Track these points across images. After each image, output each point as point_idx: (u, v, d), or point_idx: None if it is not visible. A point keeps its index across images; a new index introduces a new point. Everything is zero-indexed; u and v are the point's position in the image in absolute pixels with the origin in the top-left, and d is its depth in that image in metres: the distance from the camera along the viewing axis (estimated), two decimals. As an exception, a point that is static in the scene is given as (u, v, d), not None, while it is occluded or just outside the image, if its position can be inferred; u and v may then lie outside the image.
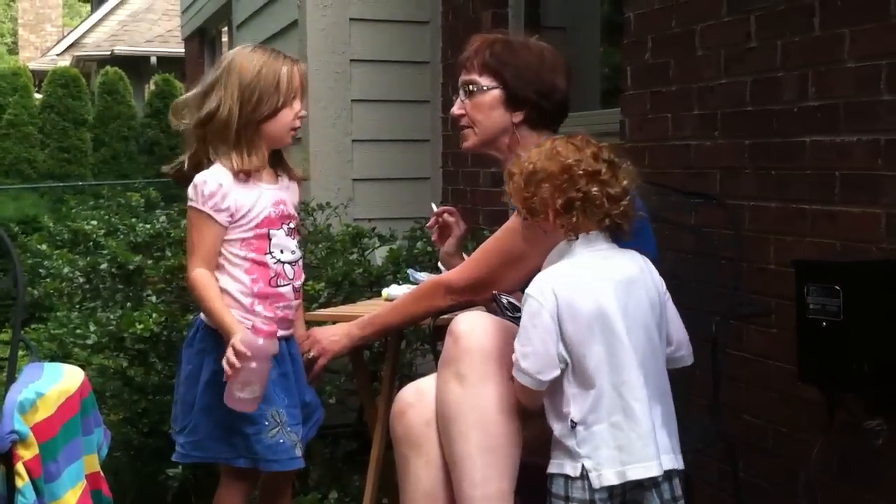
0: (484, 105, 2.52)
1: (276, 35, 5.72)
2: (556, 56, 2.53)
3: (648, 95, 3.47)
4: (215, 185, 2.38)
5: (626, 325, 2.00)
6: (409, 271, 3.18)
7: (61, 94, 13.63)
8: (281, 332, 2.48)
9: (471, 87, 2.53)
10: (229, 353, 2.28)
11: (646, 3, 3.46)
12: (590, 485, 1.96)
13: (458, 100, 2.58)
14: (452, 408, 2.16)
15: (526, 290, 2.02)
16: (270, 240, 2.45)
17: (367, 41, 4.96)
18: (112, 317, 3.48)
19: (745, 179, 3.03)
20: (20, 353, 2.37)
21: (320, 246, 3.94)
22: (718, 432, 2.63)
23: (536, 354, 1.98)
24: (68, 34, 23.25)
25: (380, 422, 2.86)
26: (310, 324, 2.76)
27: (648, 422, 1.99)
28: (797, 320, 2.51)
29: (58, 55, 21.53)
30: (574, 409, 1.99)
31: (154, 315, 3.35)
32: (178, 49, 14.23)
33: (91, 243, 4.16)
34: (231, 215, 2.40)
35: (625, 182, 2.05)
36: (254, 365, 2.28)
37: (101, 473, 2.30)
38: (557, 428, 2.02)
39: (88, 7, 27.34)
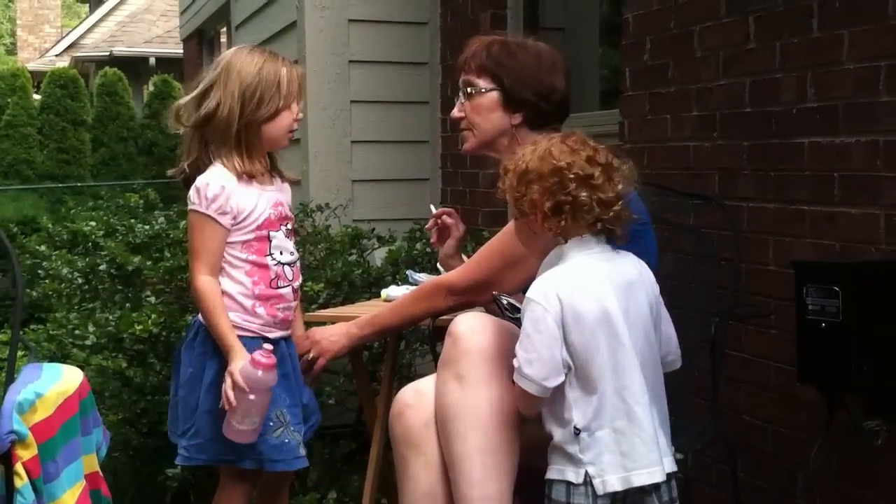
0: (482, 107, 2.52)
1: (274, 36, 5.72)
2: (554, 56, 2.53)
3: (647, 96, 3.48)
4: (218, 187, 2.37)
5: (628, 329, 1.98)
6: (409, 272, 3.18)
7: (60, 95, 13.62)
8: (280, 333, 2.49)
9: (469, 89, 2.53)
10: (228, 385, 2.28)
11: (645, 4, 3.46)
12: (593, 491, 1.94)
13: (458, 102, 2.58)
14: (451, 409, 2.16)
15: (527, 295, 1.99)
16: (270, 241, 2.45)
17: (366, 42, 4.96)
18: (111, 317, 3.48)
19: (744, 180, 3.03)
20: (19, 353, 2.36)
21: (319, 247, 3.94)
22: (718, 433, 2.64)
23: (541, 360, 1.94)
24: (67, 35, 23.25)
25: (379, 422, 2.86)
26: (309, 324, 2.76)
27: (651, 426, 1.98)
28: (796, 321, 2.51)
29: (56, 56, 21.53)
30: (577, 415, 1.96)
31: (153, 316, 3.35)
32: (177, 50, 14.24)
33: (90, 244, 4.16)
34: (234, 217, 2.40)
35: (619, 186, 2.00)
36: (252, 397, 2.28)
37: (100, 473, 2.30)
38: (558, 434, 1.99)
39: (87, 8, 27.35)
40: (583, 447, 1.96)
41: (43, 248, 4.25)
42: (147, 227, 3.96)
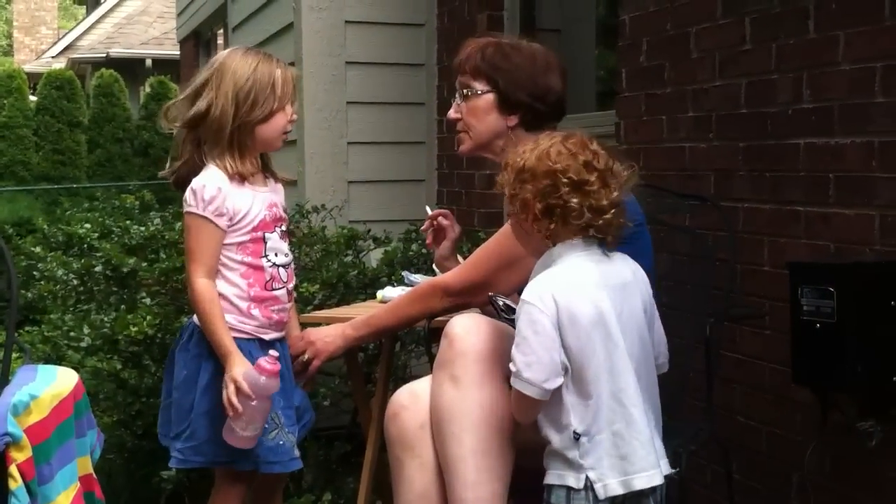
0: (478, 109, 2.52)
1: (271, 37, 5.71)
2: (549, 57, 2.53)
3: (643, 97, 3.48)
4: (215, 189, 2.37)
5: (622, 331, 1.98)
6: (404, 273, 3.18)
7: (56, 97, 13.61)
8: (275, 335, 2.49)
9: (465, 91, 2.54)
10: (231, 391, 2.27)
11: (641, 5, 3.46)
12: (594, 496, 1.94)
13: (454, 103, 2.58)
14: (446, 410, 2.16)
15: (522, 297, 1.97)
16: (266, 243, 2.44)
17: (363, 43, 4.96)
18: (106, 319, 3.48)
19: (739, 181, 3.03)
20: (14, 355, 2.36)
21: (315, 248, 3.94)
22: (712, 434, 2.63)
23: (541, 363, 1.92)
24: (63, 36, 23.23)
25: (374, 424, 2.86)
26: (304, 325, 2.76)
27: (647, 428, 1.98)
28: (791, 322, 2.52)
29: (53, 57, 21.51)
30: (575, 420, 1.95)
31: (148, 317, 3.34)
32: (174, 51, 14.24)
33: (85, 246, 4.16)
34: (230, 219, 2.39)
35: (615, 193, 1.98)
36: (254, 403, 2.28)
37: (94, 476, 2.29)
38: (556, 439, 1.97)
39: (84, 10, 27.33)
40: (583, 452, 1.95)
41: (38, 249, 4.24)
42: (143, 228, 3.96)
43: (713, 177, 3.14)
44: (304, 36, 4.89)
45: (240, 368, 2.30)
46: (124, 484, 3.64)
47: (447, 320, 2.27)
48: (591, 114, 4.12)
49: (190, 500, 3.46)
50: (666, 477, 2.01)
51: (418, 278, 3.03)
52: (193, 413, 2.40)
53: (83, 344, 3.48)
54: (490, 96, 2.50)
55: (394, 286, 3.14)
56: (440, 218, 2.85)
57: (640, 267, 2.10)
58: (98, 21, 21.88)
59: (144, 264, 3.62)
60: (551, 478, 1.99)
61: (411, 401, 2.28)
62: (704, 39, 3.17)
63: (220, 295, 2.39)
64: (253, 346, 2.41)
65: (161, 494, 3.39)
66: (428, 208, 2.95)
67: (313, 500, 3.45)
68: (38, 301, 3.95)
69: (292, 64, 4.46)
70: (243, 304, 2.41)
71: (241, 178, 2.41)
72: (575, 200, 1.95)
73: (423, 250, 3.74)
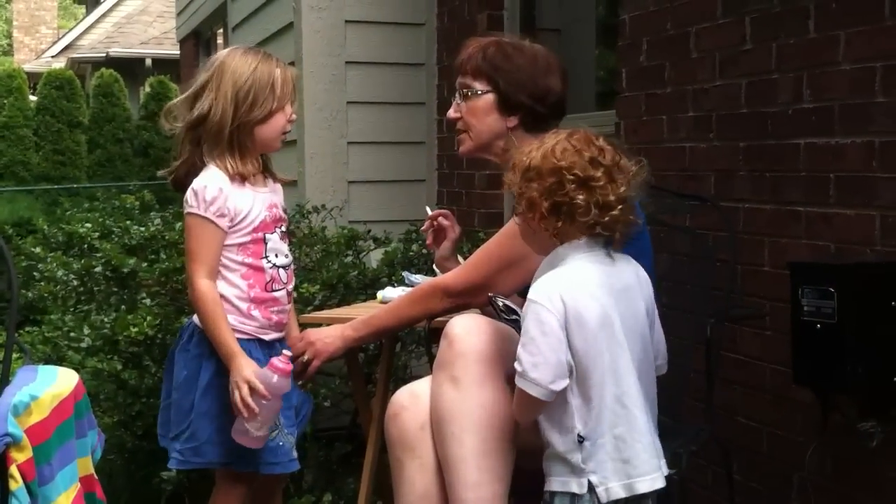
0: (478, 109, 2.51)
1: (271, 37, 5.71)
2: (550, 58, 2.52)
3: (643, 97, 3.48)
4: (216, 189, 2.36)
5: (626, 334, 1.98)
6: (405, 274, 3.17)
7: (56, 96, 13.61)
8: (275, 335, 2.49)
9: (465, 91, 2.53)
10: (245, 392, 2.27)
11: (641, 5, 3.46)
12: (598, 500, 1.93)
13: (454, 103, 2.58)
14: (447, 411, 2.16)
15: (530, 297, 1.96)
16: (266, 244, 2.44)
17: (363, 43, 4.96)
18: (106, 320, 3.47)
19: (739, 181, 3.03)
20: (14, 355, 2.36)
21: (315, 248, 3.94)
22: (712, 434, 2.63)
23: (548, 364, 1.90)
24: (63, 36, 23.23)
25: (374, 424, 2.86)
26: (305, 326, 2.76)
27: (649, 432, 1.98)
28: (791, 322, 2.51)
29: (52, 57, 21.51)
30: (579, 423, 1.94)
31: (148, 318, 3.34)
32: (174, 51, 14.24)
33: (86, 246, 4.16)
34: (231, 220, 2.39)
35: (622, 189, 1.96)
36: (266, 402, 2.29)
37: (95, 476, 2.29)
38: (560, 442, 1.97)
39: (83, 9, 27.32)
40: (585, 456, 1.94)
41: (38, 249, 4.24)
42: (143, 228, 3.96)
43: (713, 177, 3.14)
44: (304, 35, 4.89)
45: (249, 369, 2.30)
46: (125, 484, 3.64)
47: (447, 321, 2.27)
48: (591, 114, 4.11)
49: (190, 500, 3.46)
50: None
51: (418, 279, 3.03)
52: (193, 413, 2.39)
53: (83, 344, 3.48)
54: (490, 97, 2.50)
55: (394, 287, 3.14)
56: (440, 218, 2.85)
57: (643, 270, 2.09)
58: (98, 21, 21.89)
59: (145, 265, 3.62)
60: (554, 484, 1.98)
61: (412, 401, 2.27)
62: (704, 39, 3.17)
63: (221, 296, 2.39)
64: (253, 347, 2.41)
65: (161, 495, 3.39)
66: (428, 208, 2.95)
67: (314, 501, 3.45)
68: (38, 301, 3.95)
69: (292, 63, 4.46)
70: (243, 305, 2.41)
71: (241, 178, 2.41)
72: (581, 197, 1.94)
73: (424, 251, 3.74)
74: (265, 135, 2.44)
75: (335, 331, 2.59)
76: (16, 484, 1.91)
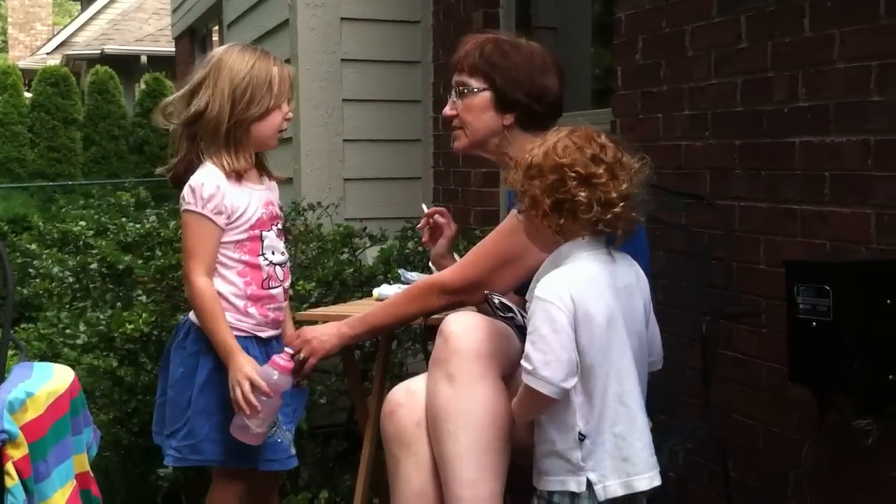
0: (474, 107, 2.51)
1: (267, 34, 5.71)
2: (547, 57, 2.52)
3: (639, 96, 3.48)
4: (214, 186, 2.36)
5: (629, 333, 1.98)
6: (400, 271, 3.17)
7: (51, 93, 13.60)
8: (272, 332, 2.49)
9: (462, 88, 2.53)
10: (246, 389, 2.27)
11: (637, 3, 3.46)
12: (595, 498, 1.94)
13: (450, 100, 2.57)
14: (442, 408, 2.16)
15: (538, 294, 1.95)
16: (263, 241, 2.44)
17: (359, 41, 4.95)
18: (102, 317, 3.47)
19: (735, 180, 3.03)
20: (10, 352, 2.36)
21: (311, 246, 3.94)
22: (709, 432, 2.64)
23: (559, 361, 1.89)
24: (58, 33, 23.19)
25: (371, 421, 2.86)
26: (300, 323, 2.76)
27: (647, 431, 1.99)
28: (787, 320, 2.52)
29: (48, 54, 21.47)
30: (581, 421, 1.94)
31: (144, 315, 3.34)
32: (169, 48, 14.22)
33: (81, 243, 4.15)
34: (228, 217, 2.39)
35: (624, 185, 1.96)
36: (266, 399, 2.29)
37: (91, 473, 2.29)
38: (560, 440, 1.97)
39: (78, 6, 27.27)
40: (585, 454, 1.95)
41: (34, 246, 4.23)
42: (138, 225, 3.95)
43: (709, 175, 3.15)
44: (300, 33, 4.89)
45: (249, 366, 2.30)
46: (121, 481, 3.63)
47: (443, 318, 2.27)
48: (587, 112, 4.11)
49: (186, 497, 3.46)
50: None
51: (414, 276, 3.03)
52: (190, 411, 2.39)
53: (79, 341, 3.48)
54: (486, 94, 2.49)
55: (390, 284, 3.13)
56: (436, 216, 2.85)
57: (641, 269, 2.10)
58: (93, 17, 21.85)
59: (140, 262, 3.62)
60: (553, 483, 1.98)
61: (408, 398, 2.28)
62: (700, 38, 3.17)
63: (217, 293, 2.39)
64: (250, 344, 2.41)
65: (158, 492, 3.39)
66: (424, 206, 2.95)
67: (310, 498, 3.45)
68: (33, 298, 3.94)
69: (288, 61, 4.45)
70: (240, 303, 2.41)
71: (237, 175, 2.41)
72: (583, 194, 1.94)
73: (420, 248, 3.74)
74: (262, 132, 2.43)
75: (331, 328, 2.59)
76: (12, 481, 1.91)
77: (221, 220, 2.38)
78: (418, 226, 2.93)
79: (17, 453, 1.93)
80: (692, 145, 3.22)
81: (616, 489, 1.94)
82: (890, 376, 2.40)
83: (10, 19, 26.31)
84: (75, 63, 18.92)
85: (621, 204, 1.96)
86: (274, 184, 2.56)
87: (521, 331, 2.14)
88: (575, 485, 1.96)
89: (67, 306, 3.84)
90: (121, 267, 3.57)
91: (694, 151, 3.21)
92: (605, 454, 1.95)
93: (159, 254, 3.68)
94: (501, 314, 2.22)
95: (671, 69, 3.31)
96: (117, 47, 18.29)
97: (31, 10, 25.60)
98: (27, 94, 14.05)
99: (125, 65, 17.39)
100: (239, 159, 2.41)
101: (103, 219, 4.32)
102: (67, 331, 3.54)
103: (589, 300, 1.93)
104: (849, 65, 2.63)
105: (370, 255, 4.04)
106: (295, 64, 4.79)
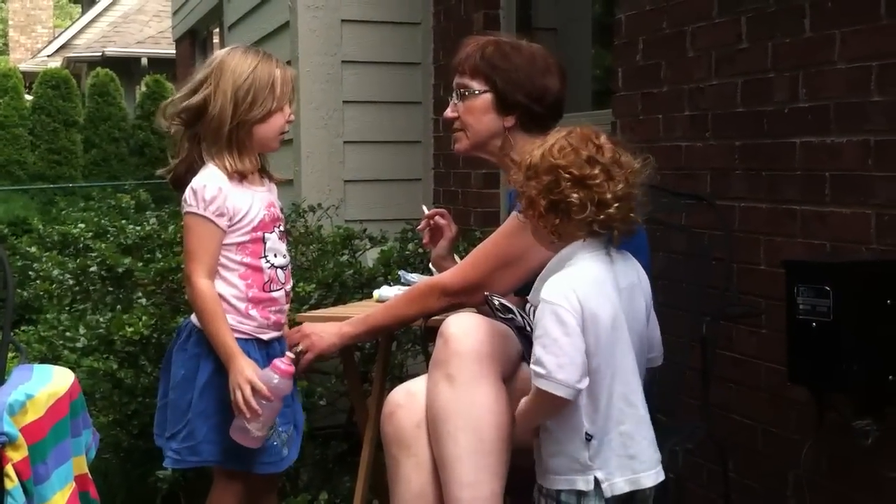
0: (475, 109, 2.51)
1: (267, 36, 5.71)
2: (548, 58, 2.52)
3: (640, 96, 3.48)
4: (216, 188, 2.36)
5: (632, 333, 1.99)
6: (400, 273, 3.17)
7: (52, 96, 13.60)
8: (274, 334, 2.49)
9: (463, 90, 2.53)
10: (247, 391, 2.27)
11: (637, 4, 3.46)
12: (602, 496, 1.95)
13: (451, 102, 2.57)
14: (442, 409, 2.16)
15: (545, 297, 1.94)
16: (265, 243, 2.44)
17: (359, 42, 4.96)
18: (102, 319, 3.47)
19: (735, 180, 3.03)
20: (10, 354, 2.36)
21: (311, 247, 3.94)
22: (708, 432, 2.64)
23: (573, 364, 1.89)
24: (59, 35, 23.20)
25: (370, 423, 2.86)
26: (298, 325, 2.76)
27: (650, 427, 2.00)
28: (787, 321, 2.52)
29: (48, 56, 21.48)
30: (587, 421, 1.95)
31: (144, 318, 3.34)
32: (170, 50, 14.21)
33: (81, 246, 4.15)
34: (230, 219, 2.38)
35: (620, 186, 1.95)
36: (266, 403, 2.29)
37: (90, 475, 2.29)
38: (566, 440, 1.96)
39: (79, 8, 27.29)
40: (592, 454, 1.95)
41: (34, 249, 4.23)
42: (138, 228, 3.95)
43: (709, 175, 3.15)
44: (301, 35, 4.89)
45: (250, 370, 2.30)
46: (120, 483, 3.63)
47: (443, 319, 2.27)
48: (588, 113, 4.12)
49: (186, 499, 3.46)
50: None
51: (415, 277, 3.03)
52: (191, 413, 2.39)
53: (79, 344, 3.48)
54: (488, 96, 2.49)
55: (390, 286, 3.13)
56: (437, 217, 2.85)
57: (642, 268, 2.10)
58: (94, 20, 21.86)
59: (140, 264, 3.62)
60: (560, 483, 1.98)
61: (407, 400, 2.28)
62: (700, 38, 3.17)
63: (219, 295, 2.38)
64: (251, 347, 2.41)
65: (157, 494, 3.39)
66: (424, 207, 2.95)
67: (309, 500, 3.44)
68: (34, 301, 3.94)
69: (288, 63, 4.45)
70: (241, 305, 2.41)
71: (240, 176, 2.41)
72: (576, 196, 1.94)
73: (420, 250, 3.74)
74: (264, 134, 2.43)
75: (332, 327, 2.59)
76: (11, 483, 1.91)
77: (223, 223, 2.37)
78: (418, 227, 2.93)
79: (16, 455, 1.93)
80: (692, 146, 3.22)
81: (623, 486, 1.95)
82: (890, 377, 2.40)
83: (10, 22, 26.33)
84: (76, 65, 18.93)
85: (615, 205, 1.95)
86: (273, 186, 2.56)
87: (521, 332, 2.14)
88: (583, 483, 1.96)
89: (67, 309, 3.84)
90: (121, 269, 3.57)
91: (694, 152, 3.21)
92: (611, 453, 1.96)
93: (159, 256, 3.68)
94: (501, 315, 2.22)
95: (671, 70, 3.31)
96: (118, 50, 18.30)
97: (31, 12, 25.62)
98: (28, 97, 14.06)
99: (126, 67, 17.40)
100: (244, 161, 2.41)
101: (103, 221, 4.32)
102: (67, 333, 3.53)
103: (594, 301, 1.93)
104: (849, 65, 2.63)
105: (370, 256, 4.04)
106: (295, 66, 4.79)
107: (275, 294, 2.46)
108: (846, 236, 2.64)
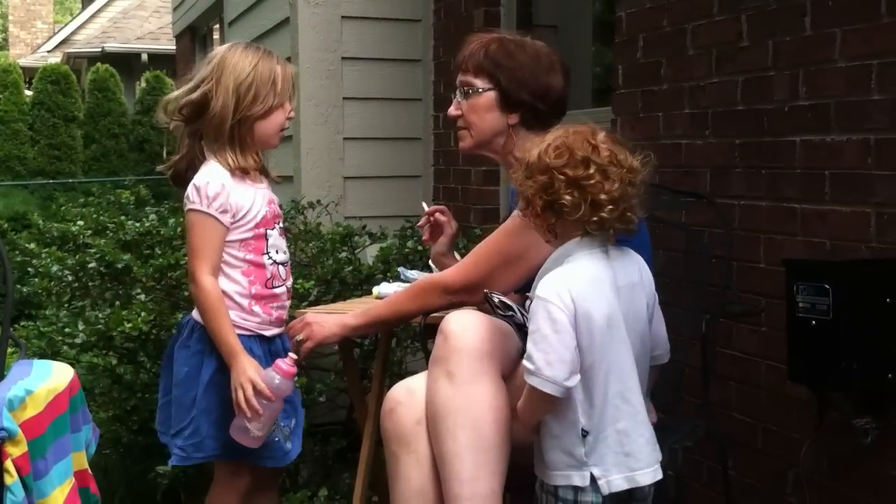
0: (479, 107, 2.51)
1: (267, 32, 5.71)
2: (552, 56, 2.52)
3: (640, 94, 3.48)
4: (219, 185, 2.36)
5: (629, 331, 1.99)
6: (400, 269, 3.17)
7: (52, 91, 13.59)
8: (276, 331, 2.49)
9: (466, 88, 2.52)
10: (248, 391, 2.28)
11: (637, 1, 3.46)
12: (599, 492, 1.95)
13: (455, 100, 2.57)
14: (442, 406, 2.16)
15: (539, 294, 1.94)
16: (267, 240, 2.44)
17: (359, 39, 4.95)
18: (101, 315, 3.47)
19: (735, 178, 3.03)
20: (9, 350, 2.36)
21: (311, 244, 3.93)
22: (708, 431, 2.64)
23: (562, 361, 1.90)
24: (59, 31, 23.18)
25: (370, 419, 2.86)
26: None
27: (649, 425, 2.00)
28: (787, 319, 2.52)
29: (48, 52, 21.45)
30: (583, 417, 1.95)
31: (143, 314, 3.34)
32: (170, 46, 14.21)
33: (80, 242, 4.15)
34: (233, 216, 2.38)
35: (616, 185, 1.95)
36: (267, 403, 2.30)
37: (89, 471, 2.29)
38: (563, 435, 1.97)
39: (79, 4, 27.27)
40: (588, 450, 1.96)
41: (33, 245, 4.23)
42: (138, 224, 3.95)
43: (709, 173, 3.15)
44: (301, 31, 4.89)
45: (253, 369, 2.30)
46: (120, 479, 3.64)
47: (443, 316, 2.27)
48: (588, 110, 4.11)
49: (186, 495, 3.47)
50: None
51: (414, 274, 3.03)
52: (196, 410, 2.39)
53: (78, 340, 3.48)
54: (491, 94, 2.49)
55: (389, 282, 3.13)
56: (437, 214, 2.85)
57: (646, 265, 2.09)
58: (94, 15, 21.83)
59: (139, 260, 3.62)
60: (557, 478, 1.99)
61: (407, 397, 2.28)
62: (701, 36, 3.17)
63: (222, 292, 2.38)
64: (254, 343, 2.41)
65: (157, 490, 3.39)
66: (424, 204, 2.95)
67: (309, 496, 3.45)
68: (33, 297, 3.94)
69: (288, 59, 4.45)
70: (244, 302, 2.41)
71: (242, 172, 2.41)
72: (568, 196, 1.94)
73: (420, 247, 3.74)
74: (265, 130, 2.43)
75: (334, 317, 2.59)
76: (11, 478, 1.91)
77: (226, 219, 2.37)
78: (418, 224, 2.93)
79: (16, 451, 1.93)
80: (692, 144, 3.22)
81: (620, 483, 1.96)
82: (889, 375, 2.40)
83: (10, 17, 26.32)
84: (76, 61, 18.91)
85: (609, 206, 1.95)
86: (270, 183, 2.56)
87: (521, 329, 2.14)
88: (579, 479, 1.96)
89: (66, 305, 3.84)
90: (120, 265, 3.57)
91: (694, 150, 3.21)
92: (607, 449, 1.96)
93: (158, 252, 3.68)
94: (501, 312, 2.22)
95: (672, 68, 3.31)
96: (118, 45, 18.28)
97: (31, 7, 25.60)
98: (28, 92, 14.05)
99: (126, 63, 17.38)
100: (246, 158, 2.41)
101: (102, 217, 4.31)
102: (67, 329, 3.54)
103: (589, 300, 1.93)
104: (849, 63, 2.63)
105: (370, 253, 4.04)
106: (295, 62, 4.79)
107: (277, 290, 2.46)
108: (846, 235, 2.64)
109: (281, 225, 2.51)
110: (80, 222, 4.23)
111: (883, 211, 2.53)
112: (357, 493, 2.88)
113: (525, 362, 1.94)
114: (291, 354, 2.38)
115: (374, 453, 2.85)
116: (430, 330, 2.38)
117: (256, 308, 2.42)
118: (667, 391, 2.46)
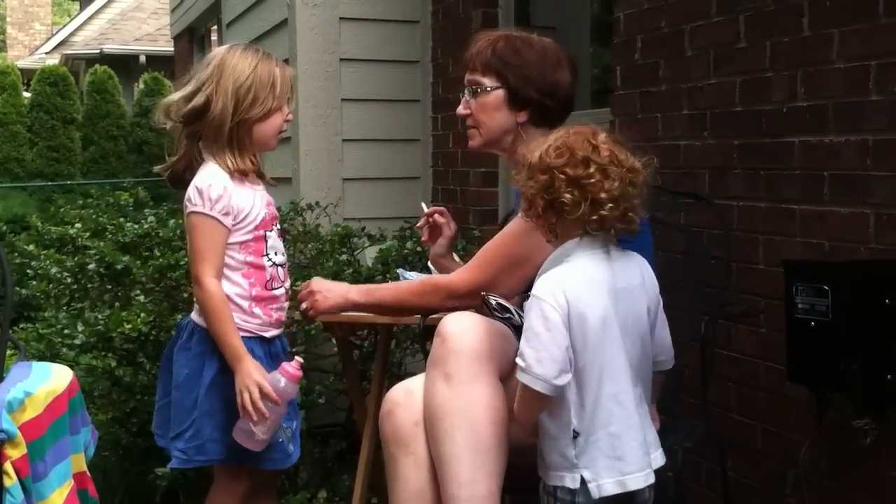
0: (488, 105, 2.51)
1: (265, 34, 5.70)
2: (559, 52, 2.52)
3: (638, 95, 3.48)
4: (221, 187, 2.35)
5: (625, 334, 1.98)
6: (399, 271, 3.17)
7: (50, 93, 13.59)
8: (276, 332, 2.49)
9: (475, 87, 2.52)
10: (255, 394, 2.27)
11: (635, 2, 3.46)
12: (589, 494, 1.95)
13: (463, 99, 2.56)
14: (439, 408, 2.16)
15: (534, 293, 1.96)
16: (267, 242, 2.44)
17: (358, 40, 4.95)
18: (100, 317, 3.47)
19: (734, 179, 3.03)
20: (8, 352, 2.36)
21: (310, 246, 3.93)
22: (707, 431, 2.64)
23: (552, 359, 1.91)
24: (57, 32, 23.17)
25: (369, 421, 2.86)
26: (299, 319, 2.76)
27: (642, 430, 2.00)
28: (786, 320, 2.52)
29: (46, 53, 21.45)
30: (575, 418, 1.96)
31: (142, 315, 3.34)
32: (168, 47, 14.21)
33: (79, 243, 4.15)
34: (234, 218, 2.38)
35: (616, 184, 1.95)
36: (272, 406, 2.30)
37: (88, 473, 2.29)
38: (558, 435, 1.98)
39: (77, 5, 27.25)
40: (578, 452, 1.96)
41: (32, 247, 4.23)
42: (137, 225, 3.95)
43: (708, 175, 3.15)
44: (299, 32, 4.88)
45: (258, 372, 2.30)
46: (119, 481, 3.63)
47: (441, 318, 2.27)
48: (586, 111, 4.11)
49: (185, 497, 3.46)
50: (657, 470, 2.02)
51: (413, 276, 3.03)
52: (197, 412, 2.38)
53: (77, 342, 3.48)
54: (500, 92, 2.49)
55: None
56: (436, 215, 2.85)
57: (649, 267, 2.09)
58: (92, 17, 21.83)
59: (138, 262, 3.62)
60: (553, 478, 2.00)
61: (406, 398, 2.27)
62: (699, 37, 3.17)
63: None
64: (254, 344, 2.41)
65: (156, 492, 3.39)
66: (423, 205, 2.95)
67: (309, 498, 3.45)
68: (32, 299, 3.94)
69: (286, 61, 4.45)
70: (245, 304, 2.41)
71: (241, 174, 2.41)
72: (569, 195, 1.95)
73: (419, 248, 3.74)
74: (263, 133, 2.43)
75: (341, 288, 2.58)
76: (10, 480, 1.91)
77: (228, 221, 2.37)
78: (417, 225, 2.93)
79: (15, 453, 1.94)
80: (691, 145, 3.22)
81: (610, 487, 1.95)
82: (888, 376, 2.40)
83: (8, 19, 26.30)
84: (74, 63, 18.91)
85: (609, 205, 1.95)
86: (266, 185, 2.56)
87: (519, 331, 2.14)
88: (570, 481, 1.97)
89: (66, 307, 3.84)
90: (119, 267, 3.57)
91: (693, 151, 3.21)
92: (598, 452, 1.96)
93: (157, 254, 3.68)
94: (499, 315, 2.22)
95: (670, 69, 3.31)
96: (116, 47, 18.27)
97: (29, 9, 25.59)
98: (26, 94, 14.05)
99: (124, 64, 17.38)
100: (245, 160, 2.41)
101: (101, 219, 4.31)
102: (66, 331, 3.53)
103: (584, 301, 1.93)
104: (848, 64, 2.63)
105: (369, 255, 4.04)
106: (294, 63, 4.79)
107: (276, 292, 2.46)
108: (845, 236, 2.64)
109: (278, 226, 2.51)
110: (79, 224, 4.22)
111: (881, 212, 2.53)
112: (356, 495, 2.88)
113: (517, 359, 1.95)
114: (298, 358, 2.38)
115: (373, 455, 2.85)
116: (429, 331, 2.38)
117: (257, 310, 2.42)
118: (666, 392, 2.46)
